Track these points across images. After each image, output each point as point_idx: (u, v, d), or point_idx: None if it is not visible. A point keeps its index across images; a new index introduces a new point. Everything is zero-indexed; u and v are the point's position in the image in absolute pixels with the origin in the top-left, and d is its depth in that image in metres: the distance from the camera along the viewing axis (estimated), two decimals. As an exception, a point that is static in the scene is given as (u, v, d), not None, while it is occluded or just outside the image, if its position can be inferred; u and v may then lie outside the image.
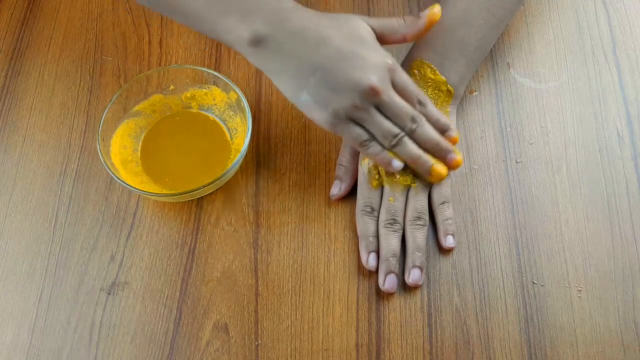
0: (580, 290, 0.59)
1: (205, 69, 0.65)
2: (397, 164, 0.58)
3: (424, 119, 0.59)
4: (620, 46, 0.71)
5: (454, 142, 0.60)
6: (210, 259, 0.61)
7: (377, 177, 0.62)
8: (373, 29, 0.59)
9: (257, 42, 0.55)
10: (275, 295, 0.59)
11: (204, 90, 0.67)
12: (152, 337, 0.58)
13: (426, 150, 0.59)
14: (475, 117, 0.68)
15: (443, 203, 0.62)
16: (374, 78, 0.55)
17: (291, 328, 0.58)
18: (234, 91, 0.64)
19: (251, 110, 0.63)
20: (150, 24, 0.74)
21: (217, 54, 0.72)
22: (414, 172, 0.61)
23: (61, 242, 0.62)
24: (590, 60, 0.71)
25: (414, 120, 0.58)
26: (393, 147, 0.58)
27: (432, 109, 0.60)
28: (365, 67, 0.56)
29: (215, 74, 0.65)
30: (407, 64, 0.65)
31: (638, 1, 0.74)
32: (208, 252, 0.61)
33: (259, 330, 0.58)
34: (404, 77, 0.58)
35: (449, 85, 0.63)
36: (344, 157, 0.64)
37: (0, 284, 0.60)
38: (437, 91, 0.63)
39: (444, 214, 0.61)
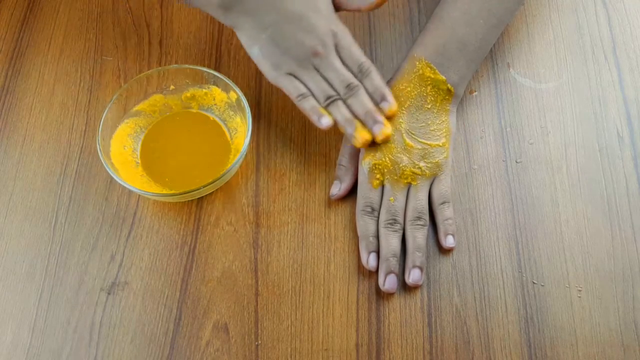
0: (580, 290, 0.59)
1: (205, 69, 0.65)
2: (326, 120, 0.61)
3: (360, 89, 0.62)
4: (620, 46, 0.71)
5: (389, 114, 0.62)
6: (210, 259, 0.61)
7: (377, 176, 0.62)
8: None
9: (226, 6, 0.61)
10: (275, 295, 0.59)
11: (204, 90, 0.67)
12: (152, 337, 0.58)
13: (358, 117, 0.62)
14: (475, 117, 0.68)
15: (443, 203, 0.62)
16: (316, 41, 0.61)
17: (291, 328, 0.58)
18: (234, 91, 0.64)
19: (251, 110, 0.63)
20: (150, 24, 0.74)
21: (217, 54, 0.72)
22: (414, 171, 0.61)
23: (61, 242, 0.62)
24: (590, 60, 0.71)
25: (349, 87, 0.61)
26: (326, 106, 0.62)
27: (374, 78, 0.62)
28: (311, 30, 0.61)
29: (215, 74, 0.65)
30: (407, 63, 0.65)
31: (638, 1, 0.74)
32: (208, 252, 0.61)
33: (259, 330, 0.58)
34: (349, 44, 0.62)
35: (448, 85, 0.63)
36: (344, 157, 0.64)
37: (0, 284, 0.60)
38: (436, 90, 0.63)
39: (444, 214, 0.61)
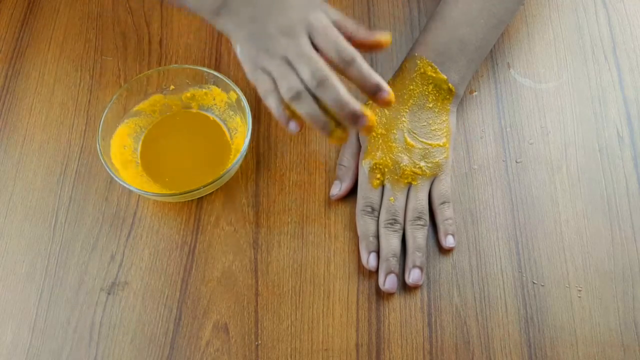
0: (580, 290, 0.59)
1: (205, 69, 0.65)
2: (293, 126, 0.55)
3: (332, 78, 0.53)
4: (620, 46, 0.71)
5: (386, 102, 0.55)
6: (210, 259, 0.61)
7: (377, 176, 0.62)
8: (332, 21, 0.56)
9: (216, 11, 0.57)
10: (275, 295, 0.59)
11: (204, 90, 0.67)
12: (152, 337, 0.58)
13: (333, 111, 0.54)
14: (475, 117, 0.68)
15: (443, 203, 0.62)
16: (285, 27, 0.54)
17: (291, 328, 0.58)
18: (234, 91, 0.64)
19: (251, 110, 0.63)
20: (150, 23, 0.74)
21: (217, 54, 0.72)
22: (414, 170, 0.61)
23: (61, 242, 0.62)
24: (590, 60, 0.71)
25: (318, 77, 0.53)
26: (291, 101, 0.54)
27: (360, 65, 0.54)
28: (282, 17, 0.55)
29: (215, 74, 0.65)
30: (408, 62, 0.65)
31: (638, 1, 0.74)
32: (208, 252, 0.61)
33: (259, 330, 0.58)
34: (324, 27, 0.55)
35: (449, 84, 0.63)
36: (345, 157, 0.64)
37: (0, 284, 0.60)
38: (438, 89, 0.63)
39: (444, 214, 0.61)
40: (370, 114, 0.53)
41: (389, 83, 0.65)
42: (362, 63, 0.54)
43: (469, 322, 0.58)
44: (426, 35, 0.65)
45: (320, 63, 0.53)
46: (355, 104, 0.53)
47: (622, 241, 0.61)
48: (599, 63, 0.71)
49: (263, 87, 0.55)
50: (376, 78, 0.54)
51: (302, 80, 0.54)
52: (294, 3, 0.56)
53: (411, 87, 0.63)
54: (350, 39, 0.56)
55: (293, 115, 0.55)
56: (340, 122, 0.54)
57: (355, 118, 0.53)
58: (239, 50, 0.57)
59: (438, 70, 0.63)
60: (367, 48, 0.57)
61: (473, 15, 0.64)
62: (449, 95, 0.64)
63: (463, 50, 0.64)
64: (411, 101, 0.63)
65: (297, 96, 0.54)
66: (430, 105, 0.63)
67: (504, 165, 0.65)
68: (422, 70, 0.63)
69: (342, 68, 0.54)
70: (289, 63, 0.54)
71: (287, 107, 0.55)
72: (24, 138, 0.67)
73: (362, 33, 0.56)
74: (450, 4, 0.65)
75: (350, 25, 0.56)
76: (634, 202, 0.63)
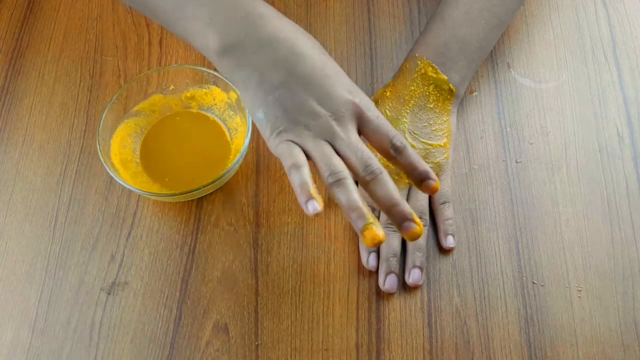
0: (580, 290, 0.59)
1: (205, 69, 0.65)
2: (314, 206, 0.48)
3: (384, 173, 0.50)
4: (620, 46, 0.71)
5: (432, 190, 0.53)
6: (210, 259, 0.61)
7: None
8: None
9: (223, 51, 0.51)
10: (275, 295, 0.59)
11: (204, 90, 0.67)
12: (152, 337, 0.58)
13: (379, 207, 0.51)
14: (475, 117, 0.68)
15: (443, 203, 0.62)
16: (333, 111, 0.50)
17: (291, 328, 0.58)
18: (234, 91, 0.64)
19: (251, 110, 0.63)
20: (150, 24, 0.74)
21: (217, 54, 0.72)
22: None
23: (61, 242, 0.62)
24: (590, 60, 0.71)
25: (371, 171, 0.50)
26: (332, 186, 0.49)
27: (410, 155, 0.52)
28: (327, 100, 0.51)
29: (215, 74, 0.65)
30: (409, 62, 0.65)
31: (638, 1, 0.74)
32: (208, 252, 0.61)
33: (259, 330, 0.58)
34: (376, 116, 0.52)
35: (450, 85, 0.63)
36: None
37: (0, 284, 0.60)
38: (438, 90, 0.63)
39: (444, 214, 0.61)
40: (419, 222, 0.50)
41: (389, 84, 0.65)
42: (412, 151, 0.52)
43: (469, 322, 0.58)
44: (426, 35, 0.65)
45: (372, 156, 0.51)
46: (406, 206, 0.50)
47: (622, 241, 0.61)
48: (599, 63, 0.71)
49: (292, 161, 0.50)
50: (425, 166, 0.52)
51: (350, 168, 0.50)
52: (339, 80, 0.52)
53: (412, 87, 0.63)
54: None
55: (315, 195, 0.49)
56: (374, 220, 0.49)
57: (404, 219, 0.50)
58: (261, 114, 0.51)
59: (439, 70, 0.63)
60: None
61: (473, 15, 0.64)
62: (450, 96, 0.64)
63: (463, 51, 0.64)
64: (412, 102, 0.63)
65: (341, 183, 0.49)
66: (431, 106, 0.63)
67: (504, 165, 0.65)
68: (422, 70, 0.63)
69: (393, 155, 0.52)
70: (331, 144, 0.51)
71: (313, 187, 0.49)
72: (24, 138, 0.67)
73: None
74: (451, 4, 0.65)
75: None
76: (634, 202, 0.63)
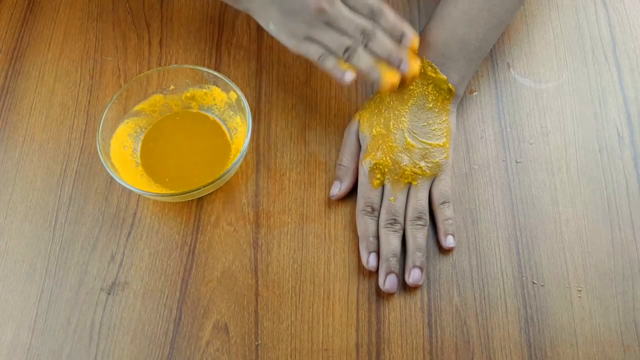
0: (580, 290, 0.59)
1: (205, 69, 0.65)
2: (348, 75, 0.61)
3: (377, 30, 0.61)
4: (620, 46, 0.71)
5: (411, 49, 0.62)
6: (210, 259, 0.61)
7: (378, 176, 0.62)
8: None
9: None
10: (275, 295, 0.59)
11: (204, 90, 0.67)
12: (152, 337, 0.58)
13: (381, 60, 0.61)
14: (475, 117, 0.68)
15: (443, 203, 0.62)
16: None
17: (291, 328, 0.58)
18: (234, 91, 0.64)
19: (251, 110, 0.63)
20: (150, 24, 0.74)
21: (217, 54, 0.72)
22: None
23: (61, 242, 0.62)
24: (590, 60, 0.71)
25: (364, 32, 0.60)
26: (347, 59, 0.61)
27: (388, 17, 0.61)
28: None
29: (215, 74, 0.65)
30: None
31: (638, 1, 0.74)
32: (208, 252, 0.61)
33: (259, 330, 0.58)
34: None
35: (449, 84, 0.63)
36: (344, 157, 0.64)
37: (0, 284, 0.60)
38: (437, 89, 0.63)
39: (444, 214, 0.61)
40: (413, 58, 0.61)
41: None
42: (389, 13, 0.62)
43: (469, 322, 0.58)
44: (426, 35, 0.65)
45: (362, 20, 0.61)
46: (399, 52, 0.61)
47: (622, 241, 0.61)
48: (599, 63, 0.71)
49: (316, 54, 0.61)
50: (402, 25, 0.62)
51: (350, 38, 0.60)
52: None
53: (411, 87, 0.63)
54: None
55: (346, 68, 0.61)
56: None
57: (398, 64, 0.61)
58: (272, 26, 0.62)
59: (438, 70, 0.63)
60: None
61: (473, 15, 0.64)
62: (449, 95, 0.64)
63: (463, 50, 0.64)
64: (411, 101, 0.63)
65: (351, 54, 0.60)
66: (430, 105, 0.63)
67: (504, 165, 0.65)
68: (422, 70, 0.63)
69: (374, 21, 0.61)
70: (333, 26, 0.61)
71: (341, 64, 0.61)
72: (24, 138, 0.67)
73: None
74: (450, 4, 0.65)
75: None
76: (634, 202, 0.63)
